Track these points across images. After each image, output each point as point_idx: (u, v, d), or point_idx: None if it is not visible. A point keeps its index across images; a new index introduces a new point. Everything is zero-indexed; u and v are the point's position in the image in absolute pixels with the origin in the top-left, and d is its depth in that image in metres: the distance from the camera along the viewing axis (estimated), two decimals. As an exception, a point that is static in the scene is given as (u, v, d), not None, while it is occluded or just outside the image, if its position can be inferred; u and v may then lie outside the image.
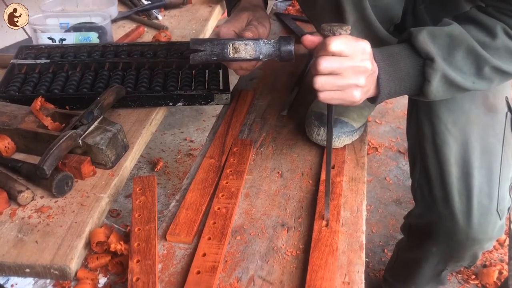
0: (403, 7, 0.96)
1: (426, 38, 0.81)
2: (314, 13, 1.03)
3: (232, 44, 0.86)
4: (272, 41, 0.88)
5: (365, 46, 0.79)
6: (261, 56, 0.87)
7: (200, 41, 0.89)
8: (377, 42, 0.93)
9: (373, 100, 0.87)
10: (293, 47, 0.87)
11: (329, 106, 0.82)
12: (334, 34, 0.77)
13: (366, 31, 0.93)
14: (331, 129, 0.84)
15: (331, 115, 0.83)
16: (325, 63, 0.76)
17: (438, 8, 0.98)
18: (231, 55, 0.86)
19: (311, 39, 0.80)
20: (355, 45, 0.77)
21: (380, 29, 0.93)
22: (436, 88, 0.83)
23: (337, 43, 0.76)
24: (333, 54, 0.76)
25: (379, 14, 0.92)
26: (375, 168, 2.04)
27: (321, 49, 0.77)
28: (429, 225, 1.03)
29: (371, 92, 0.84)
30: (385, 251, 1.66)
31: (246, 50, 0.86)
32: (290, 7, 1.81)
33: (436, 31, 0.83)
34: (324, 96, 0.79)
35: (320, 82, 0.77)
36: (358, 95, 0.80)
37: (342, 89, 0.79)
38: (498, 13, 0.83)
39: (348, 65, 0.77)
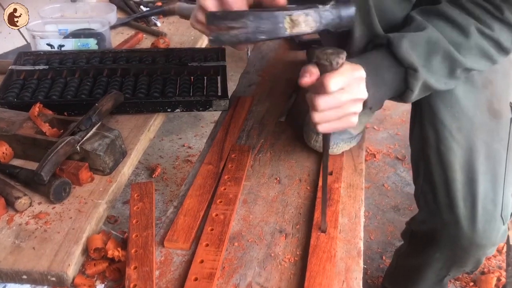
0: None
1: (408, 47, 0.81)
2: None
3: (289, 17, 0.67)
4: (328, 6, 0.71)
5: (361, 74, 0.78)
6: (321, 27, 0.72)
7: (233, 16, 0.69)
8: None
9: None
10: (354, 10, 0.73)
11: (326, 135, 0.80)
12: (331, 64, 0.70)
13: (372, 44, 0.93)
14: (327, 155, 0.81)
15: (328, 143, 0.80)
16: (323, 103, 0.74)
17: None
18: (288, 31, 0.68)
19: (310, 81, 0.73)
20: (352, 76, 0.76)
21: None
22: (415, 94, 0.85)
23: (335, 82, 0.72)
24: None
25: (384, 27, 0.91)
26: (373, 174, 2.04)
27: (318, 87, 0.74)
28: (433, 231, 1.03)
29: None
30: (383, 258, 1.66)
31: (307, 22, 0.68)
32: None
33: (415, 38, 0.82)
34: (323, 128, 0.78)
35: (319, 117, 0.76)
36: (355, 121, 0.80)
37: (341, 118, 0.78)
38: (472, 5, 0.83)
39: (346, 99, 0.76)
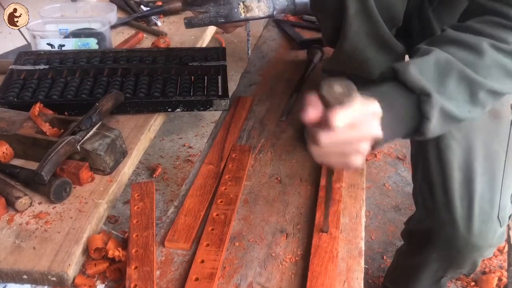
0: (408, 9, 0.96)
1: (416, 73, 0.73)
2: (316, 2, 1.02)
3: (243, 3, 0.77)
4: None
5: (374, 109, 0.68)
6: (275, 13, 0.78)
7: (198, 1, 0.79)
8: (379, 40, 0.92)
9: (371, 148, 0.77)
10: None
11: (329, 169, 0.76)
12: (340, 103, 0.63)
13: (368, 25, 0.91)
14: (330, 191, 0.79)
15: (331, 179, 0.78)
16: (326, 140, 0.65)
17: (445, 12, 0.98)
18: (243, 15, 0.77)
19: (311, 117, 0.66)
20: (364, 113, 0.67)
21: (382, 24, 0.91)
22: (434, 124, 0.75)
23: (343, 118, 0.63)
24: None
25: (381, 12, 0.91)
26: (374, 174, 2.04)
27: (323, 123, 0.65)
28: (430, 231, 1.03)
29: None
30: (384, 257, 1.66)
31: (259, 7, 0.77)
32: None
33: (422, 62, 0.74)
34: (321, 161, 0.71)
35: (318, 152, 0.68)
36: (359, 161, 0.70)
37: (343, 156, 0.69)
38: (480, 24, 0.77)
39: (353, 136, 0.67)
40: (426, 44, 0.78)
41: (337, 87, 0.63)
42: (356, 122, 0.66)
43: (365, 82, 0.77)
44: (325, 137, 0.65)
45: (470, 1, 0.82)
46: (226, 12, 0.77)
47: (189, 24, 0.81)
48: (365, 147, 0.69)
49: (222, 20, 0.78)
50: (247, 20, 0.80)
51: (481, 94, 0.75)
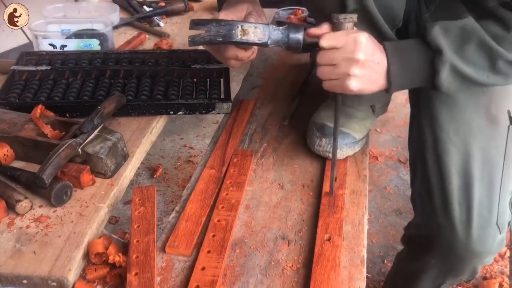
0: (405, 13, 0.95)
1: (438, 32, 0.83)
2: (313, 3, 1.01)
3: (241, 26, 0.85)
4: (281, 28, 0.88)
5: (358, 37, 0.82)
6: (269, 42, 0.87)
7: (203, 22, 0.87)
8: (381, 39, 0.92)
9: (386, 91, 0.90)
10: (302, 36, 0.88)
11: (336, 97, 0.88)
12: (339, 21, 0.83)
13: (369, 25, 0.91)
14: (338, 119, 0.89)
15: (338, 104, 0.88)
16: (319, 58, 0.85)
17: (443, 17, 0.98)
18: (239, 37, 0.84)
19: (313, 32, 0.86)
20: (346, 38, 0.83)
21: (383, 23, 0.91)
22: (446, 80, 0.85)
23: (327, 39, 0.83)
24: (327, 49, 0.84)
25: (381, 11, 0.91)
26: (376, 177, 2.03)
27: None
28: (429, 236, 1.02)
29: (380, 83, 0.87)
30: (385, 261, 1.65)
31: (255, 33, 0.85)
32: (292, 16, 1.81)
33: (449, 24, 0.84)
34: (326, 85, 0.86)
35: (319, 71, 0.86)
36: (353, 84, 0.84)
37: (338, 77, 0.84)
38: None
39: (338, 57, 0.83)
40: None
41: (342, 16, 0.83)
42: (339, 45, 0.82)
43: None
44: (318, 55, 0.84)
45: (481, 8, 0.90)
46: (225, 32, 0.84)
47: (192, 41, 0.87)
48: (353, 70, 0.83)
49: (220, 40, 0.85)
50: (242, 43, 0.86)
51: (500, 63, 0.83)
